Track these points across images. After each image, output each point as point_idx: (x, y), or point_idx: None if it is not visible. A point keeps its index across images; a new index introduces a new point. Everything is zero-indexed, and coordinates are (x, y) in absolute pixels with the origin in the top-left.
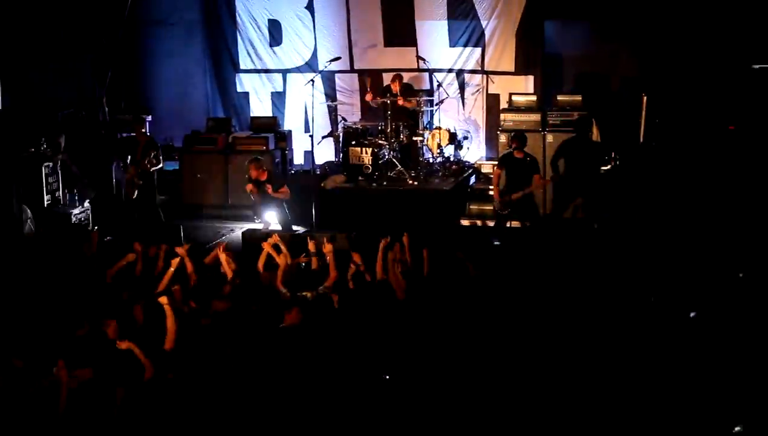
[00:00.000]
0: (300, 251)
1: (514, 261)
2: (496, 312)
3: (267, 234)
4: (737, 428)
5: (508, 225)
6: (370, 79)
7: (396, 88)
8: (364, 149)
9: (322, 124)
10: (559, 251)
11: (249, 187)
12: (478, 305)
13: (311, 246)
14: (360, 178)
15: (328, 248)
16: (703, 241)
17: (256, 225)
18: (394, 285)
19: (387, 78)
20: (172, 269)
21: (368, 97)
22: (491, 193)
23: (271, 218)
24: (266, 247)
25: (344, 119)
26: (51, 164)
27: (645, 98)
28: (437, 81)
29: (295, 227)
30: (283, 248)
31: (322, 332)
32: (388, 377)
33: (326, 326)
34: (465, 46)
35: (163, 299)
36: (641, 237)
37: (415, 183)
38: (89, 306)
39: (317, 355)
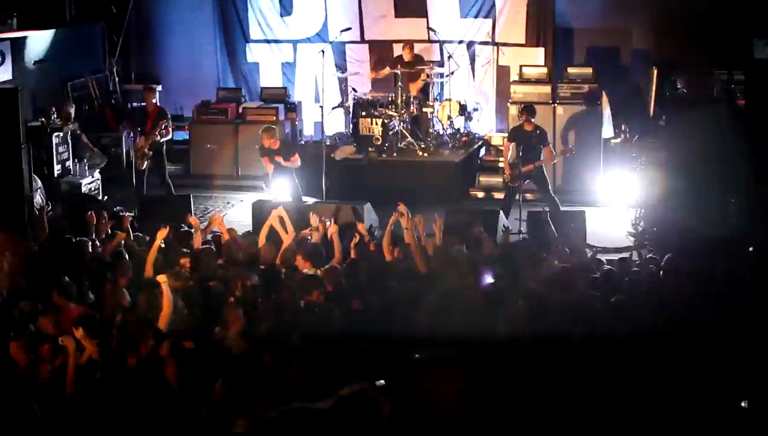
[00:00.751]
0: (307, 223)
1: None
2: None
3: (276, 205)
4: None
5: (518, 197)
6: (375, 58)
7: (408, 55)
8: (374, 120)
9: (332, 95)
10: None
11: (265, 159)
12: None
13: (313, 220)
14: (370, 149)
15: (333, 228)
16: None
17: (267, 196)
18: (415, 256)
19: (397, 49)
20: (155, 246)
21: (372, 74)
22: (501, 165)
23: (281, 189)
24: (271, 220)
25: (354, 90)
26: (61, 134)
27: (656, 72)
28: (448, 52)
29: (304, 198)
30: (287, 221)
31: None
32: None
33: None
34: (476, 17)
35: (162, 278)
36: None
37: (425, 154)
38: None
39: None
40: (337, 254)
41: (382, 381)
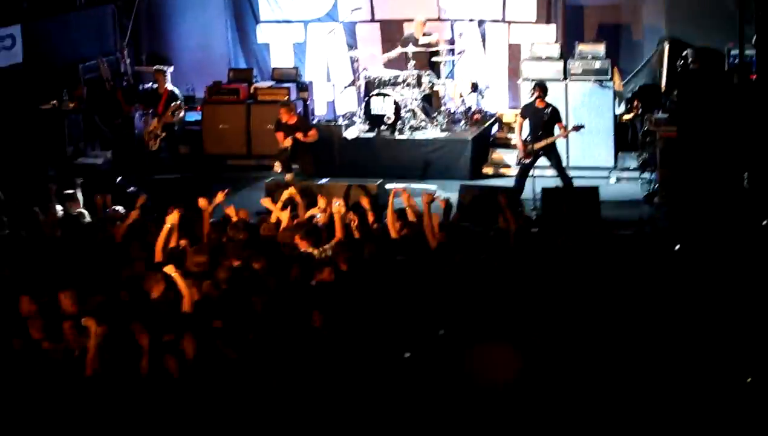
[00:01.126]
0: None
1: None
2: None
3: (288, 185)
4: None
5: (531, 174)
6: (386, 38)
7: (419, 34)
8: (386, 99)
9: (343, 74)
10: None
11: (279, 134)
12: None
13: (321, 202)
14: (382, 127)
15: (337, 208)
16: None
17: (279, 175)
18: (427, 234)
19: (408, 28)
20: (165, 230)
21: (384, 55)
22: (514, 142)
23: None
24: (282, 198)
25: (366, 69)
26: (73, 116)
27: (667, 47)
28: (459, 31)
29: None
30: (299, 200)
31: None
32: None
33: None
34: None
35: (170, 269)
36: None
37: (438, 133)
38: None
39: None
40: (338, 234)
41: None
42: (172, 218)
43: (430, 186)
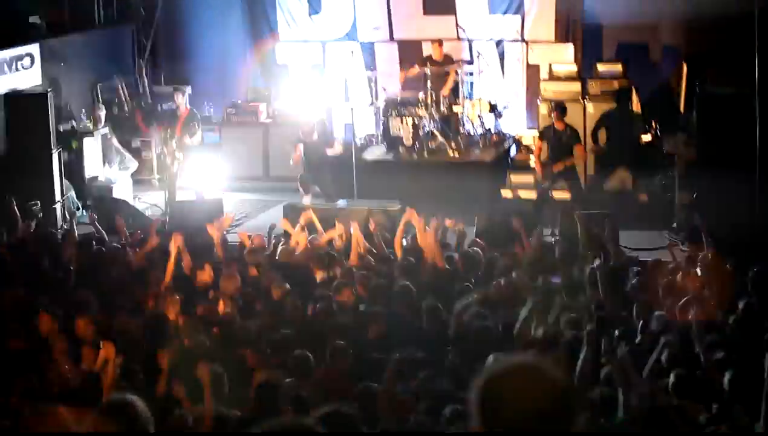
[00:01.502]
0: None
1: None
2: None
3: (306, 208)
4: None
5: (550, 196)
6: (404, 58)
7: (438, 54)
8: (404, 120)
9: (361, 95)
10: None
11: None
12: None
13: (339, 226)
14: (400, 149)
15: (355, 232)
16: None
17: (298, 198)
18: (428, 258)
19: (426, 48)
20: (172, 257)
21: (402, 74)
22: (532, 164)
23: (314, 189)
24: (302, 222)
25: (384, 90)
26: (91, 138)
27: (685, 67)
28: (477, 51)
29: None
30: (317, 224)
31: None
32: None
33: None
34: (504, 13)
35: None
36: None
37: (456, 154)
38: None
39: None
40: (353, 258)
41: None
42: (176, 242)
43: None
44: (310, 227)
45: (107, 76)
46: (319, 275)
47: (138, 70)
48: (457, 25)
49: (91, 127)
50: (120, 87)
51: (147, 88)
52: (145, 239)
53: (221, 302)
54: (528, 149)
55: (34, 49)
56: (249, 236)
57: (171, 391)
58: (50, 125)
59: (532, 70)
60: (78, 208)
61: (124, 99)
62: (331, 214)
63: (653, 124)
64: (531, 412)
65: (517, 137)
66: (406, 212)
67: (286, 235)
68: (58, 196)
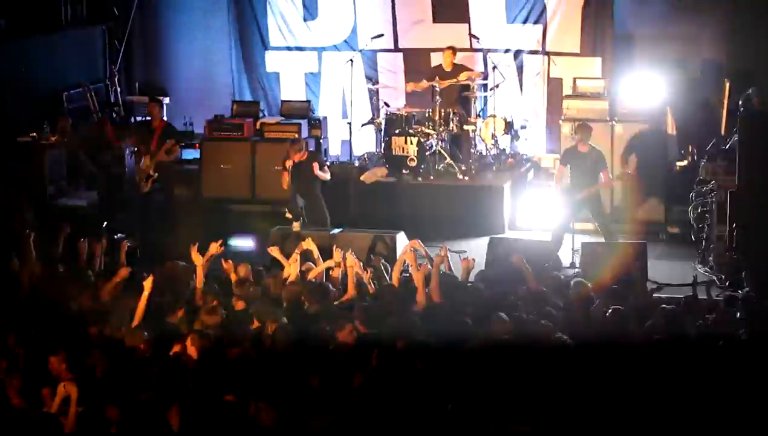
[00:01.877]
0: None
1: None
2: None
3: (298, 234)
4: None
5: (571, 227)
6: (410, 69)
7: (449, 65)
8: (408, 139)
9: (361, 109)
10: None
11: (285, 176)
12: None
13: (336, 255)
14: (404, 171)
15: (350, 261)
16: None
17: (288, 223)
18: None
19: (435, 59)
20: (144, 297)
21: (407, 87)
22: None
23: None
24: (298, 251)
25: (387, 105)
26: (54, 151)
27: (728, 85)
28: (492, 63)
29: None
30: (316, 253)
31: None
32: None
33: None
34: (524, 22)
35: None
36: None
37: (466, 178)
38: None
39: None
40: (350, 290)
41: None
42: (148, 286)
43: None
44: (304, 257)
45: (74, 83)
46: (313, 308)
47: (109, 77)
48: (470, 34)
49: (55, 139)
50: (88, 95)
51: (119, 98)
52: (112, 269)
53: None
54: (548, 174)
55: None
56: (235, 266)
57: None
58: None
59: (554, 86)
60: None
61: (92, 109)
62: (325, 242)
63: (690, 148)
64: None
65: (535, 160)
66: (410, 242)
67: (274, 264)
68: None
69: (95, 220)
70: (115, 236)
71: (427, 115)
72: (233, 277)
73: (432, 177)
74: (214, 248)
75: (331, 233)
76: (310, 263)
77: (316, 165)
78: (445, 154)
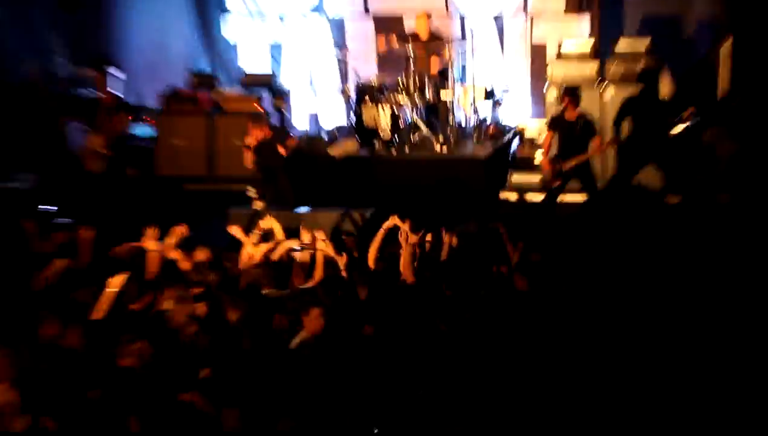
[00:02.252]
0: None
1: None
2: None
3: (258, 213)
4: None
5: (559, 199)
6: (382, 34)
7: (424, 30)
8: (381, 108)
9: (329, 79)
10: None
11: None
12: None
13: (305, 236)
14: (376, 144)
15: (320, 242)
16: None
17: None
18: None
19: (409, 23)
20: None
21: (380, 46)
22: (538, 161)
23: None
24: (259, 230)
25: (357, 73)
26: None
27: (728, 43)
28: (470, 27)
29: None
30: (279, 234)
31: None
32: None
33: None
34: None
35: None
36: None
37: (445, 149)
38: None
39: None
40: (317, 273)
41: None
42: (118, 282)
43: None
44: (265, 237)
45: (14, 53)
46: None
47: (52, 47)
48: None
49: None
50: (30, 68)
51: (65, 70)
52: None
53: None
54: (533, 143)
55: None
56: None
57: None
58: None
59: (538, 49)
60: None
61: (35, 83)
62: (291, 221)
63: (687, 112)
64: None
65: (519, 129)
66: (389, 220)
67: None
68: None
69: (34, 203)
70: (61, 222)
71: (401, 83)
72: (185, 264)
73: (407, 149)
74: (180, 230)
75: (296, 211)
76: (272, 246)
77: (281, 147)
78: (421, 125)
